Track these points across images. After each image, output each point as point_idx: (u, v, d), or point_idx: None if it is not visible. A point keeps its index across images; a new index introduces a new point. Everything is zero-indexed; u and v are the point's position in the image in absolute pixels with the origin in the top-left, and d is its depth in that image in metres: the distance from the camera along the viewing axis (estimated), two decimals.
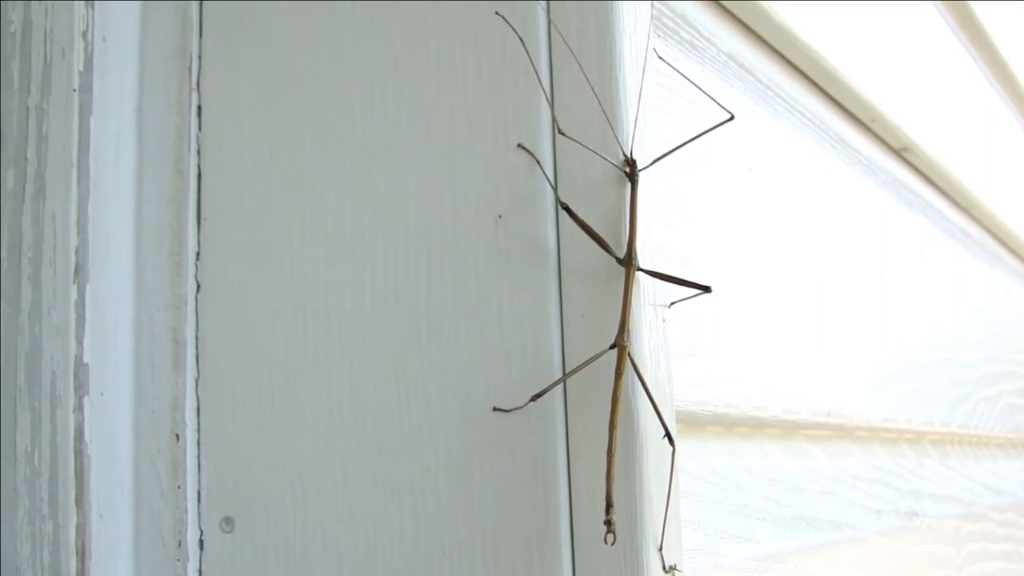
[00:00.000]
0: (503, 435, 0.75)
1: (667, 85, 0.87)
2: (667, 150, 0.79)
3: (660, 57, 0.82)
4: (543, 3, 0.77)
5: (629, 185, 0.75)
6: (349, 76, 0.83)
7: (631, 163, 0.74)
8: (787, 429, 1.06)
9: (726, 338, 0.94)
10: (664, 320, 0.77)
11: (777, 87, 1.13)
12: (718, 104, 0.85)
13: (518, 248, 0.75)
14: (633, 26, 0.78)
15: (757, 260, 1.03)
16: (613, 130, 0.74)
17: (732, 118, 0.83)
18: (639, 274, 0.74)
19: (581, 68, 0.75)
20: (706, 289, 0.78)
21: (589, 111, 0.75)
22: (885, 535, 1.23)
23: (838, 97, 1.28)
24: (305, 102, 0.85)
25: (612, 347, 0.73)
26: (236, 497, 0.84)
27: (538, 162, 0.75)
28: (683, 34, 0.93)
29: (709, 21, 0.99)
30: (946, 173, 1.60)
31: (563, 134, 0.74)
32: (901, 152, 1.47)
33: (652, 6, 0.83)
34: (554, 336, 0.74)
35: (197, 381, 0.86)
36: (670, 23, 0.91)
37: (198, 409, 0.86)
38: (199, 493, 0.85)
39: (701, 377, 0.89)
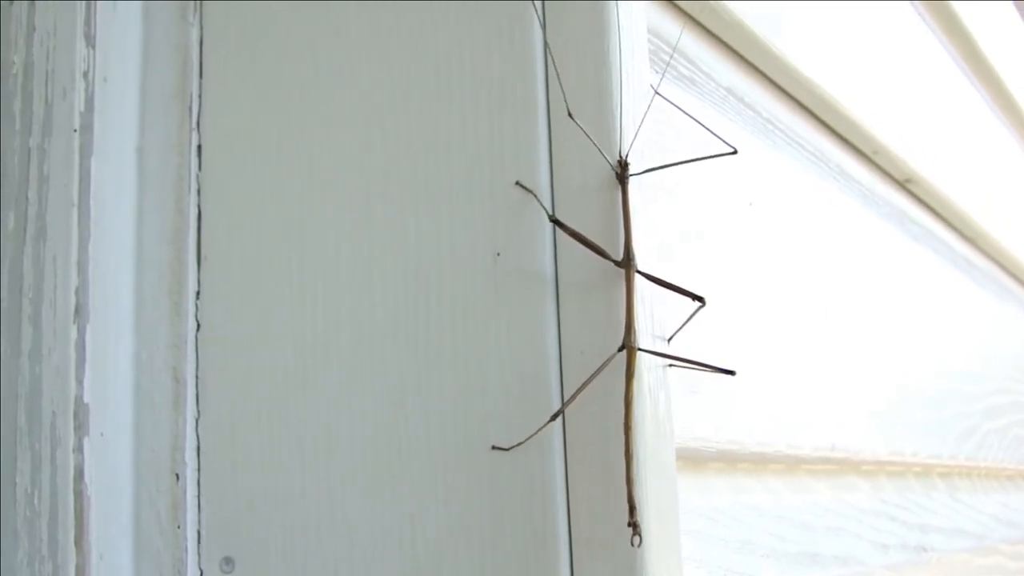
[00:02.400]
0: (502, 471, 0.74)
1: (665, 120, 0.87)
2: (663, 164, 0.79)
3: (658, 93, 0.82)
4: (538, 2, 0.77)
5: (620, 188, 0.74)
6: (348, 115, 0.83)
7: (623, 165, 0.74)
8: (791, 464, 1.06)
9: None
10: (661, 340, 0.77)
11: (777, 120, 1.13)
12: (720, 139, 0.85)
13: (517, 286, 0.75)
14: (631, 60, 0.78)
15: (759, 294, 1.03)
16: (612, 129, 0.75)
17: (735, 152, 0.83)
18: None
19: (568, 96, 0.75)
20: (700, 300, 0.78)
21: (586, 110, 0.75)
22: (893, 570, 1.22)
23: (839, 129, 1.28)
24: (305, 141, 0.85)
25: (620, 349, 0.72)
26: (236, 537, 0.83)
27: (536, 196, 0.75)
28: (682, 69, 0.94)
29: (708, 55, 0.99)
30: (951, 204, 1.59)
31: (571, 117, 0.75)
32: (905, 183, 1.47)
33: (649, 40, 0.83)
34: (552, 374, 0.74)
35: (197, 420, 0.86)
36: (667, 58, 0.91)
37: (198, 448, 0.86)
38: (199, 533, 0.85)
39: (702, 413, 0.88)
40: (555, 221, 0.74)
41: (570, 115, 0.75)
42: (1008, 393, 1.81)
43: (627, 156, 0.75)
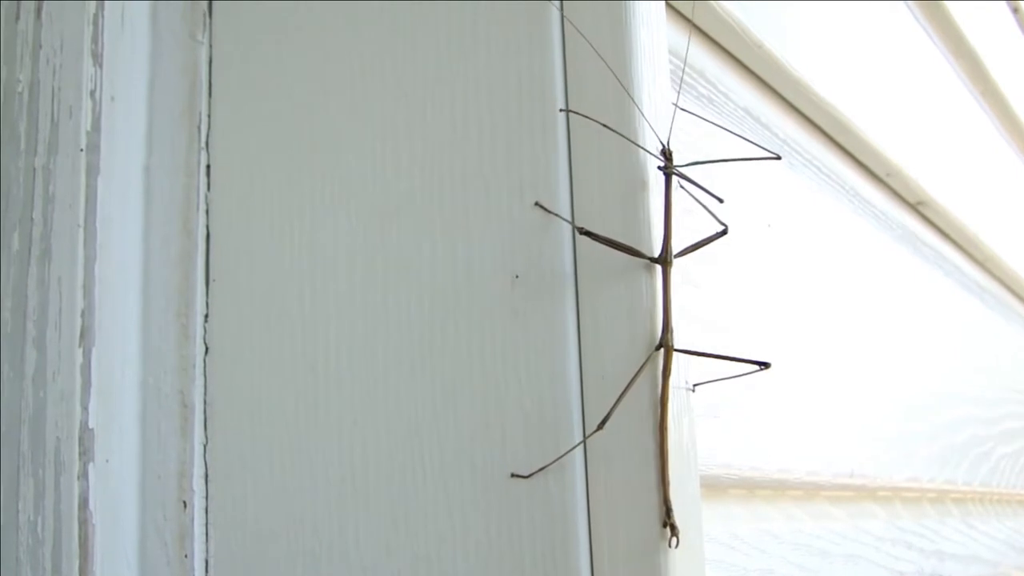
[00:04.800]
0: (521, 500, 0.72)
1: (690, 143, 0.86)
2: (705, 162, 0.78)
3: (683, 109, 0.80)
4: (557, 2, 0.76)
5: (664, 180, 0.72)
6: (361, 135, 0.81)
7: (667, 155, 0.72)
8: (810, 491, 1.04)
9: (749, 399, 0.92)
10: (687, 381, 0.75)
11: (794, 141, 1.11)
12: (760, 147, 0.83)
13: (536, 309, 0.73)
14: (652, 72, 0.76)
15: (777, 318, 1.01)
16: (647, 120, 0.73)
17: (779, 158, 0.81)
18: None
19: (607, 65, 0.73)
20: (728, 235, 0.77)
21: (621, 101, 0.73)
22: None
23: (854, 151, 1.26)
24: (316, 161, 0.83)
25: (658, 348, 0.71)
26: (245, 567, 0.81)
27: (557, 215, 0.73)
28: (700, 89, 0.92)
29: (726, 76, 0.97)
30: (962, 227, 1.58)
31: (577, 112, 0.73)
32: (917, 206, 1.46)
33: (670, 60, 0.82)
34: (573, 399, 0.72)
35: (205, 447, 0.84)
36: (688, 79, 0.90)
37: (206, 476, 0.84)
38: (207, 563, 0.83)
39: (723, 439, 0.86)
40: (584, 232, 0.72)
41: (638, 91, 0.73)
42: (1020, 417, 1.79)
43: (669, 144, 0.73)
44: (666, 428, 0.70)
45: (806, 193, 1.14)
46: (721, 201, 0.78)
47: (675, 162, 0.73)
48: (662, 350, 0.71)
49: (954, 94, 1.67)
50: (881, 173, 1.34)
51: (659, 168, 0.73)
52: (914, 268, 1.45)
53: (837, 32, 1.23)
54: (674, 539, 0.67)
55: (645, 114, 0.73)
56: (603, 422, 0.69)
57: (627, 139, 0.72)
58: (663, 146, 0.73)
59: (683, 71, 0.87)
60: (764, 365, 0.77)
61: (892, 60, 1.40)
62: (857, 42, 1.29)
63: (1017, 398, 1.82)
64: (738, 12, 0.95)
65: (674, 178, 0.73)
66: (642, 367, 0.70)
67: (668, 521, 0.68)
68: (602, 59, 0.73)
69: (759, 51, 1.00)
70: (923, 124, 1.49)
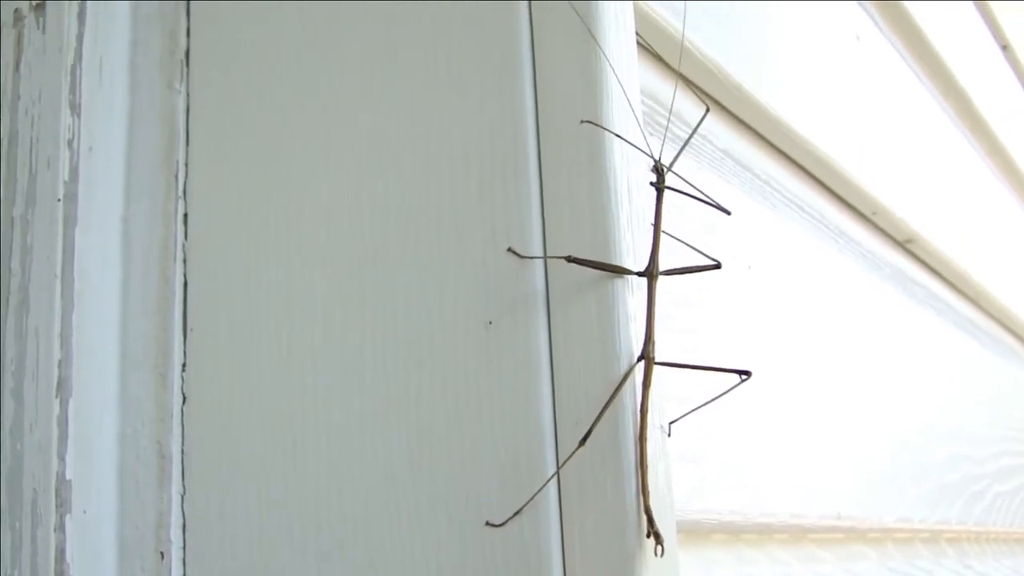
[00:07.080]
0: (496, 548, 0.71)
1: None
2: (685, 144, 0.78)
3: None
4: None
5: (655, 195, 0.73)
6: (336, 184, 0.81)
7: (659, 170, 0.73)
8: (796, 534, 1.03)
9: (729, 442, 0.91)
10: (662, 427, 0.75)
11: (775, 182, 1.11)
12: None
13: (509, 355, 0.72)
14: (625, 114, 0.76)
15: (759, 360, 1.01)
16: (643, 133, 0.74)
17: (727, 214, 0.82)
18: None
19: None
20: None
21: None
22: None
23: (838, 191, 1.26)
24: (292, 210, 0.83)
25: (639, 359, 0.71)
26: None
27: (530, 256, 0.73)
28: (677, 131, 0.92)
29: (706, 119, 0.97)
30: (952, 264, 1.58)
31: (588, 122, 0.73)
32: (905, 244, 1.46)
33: (643, 101, 0.82)
34: (548, 446, 0.71)
35: (183, 497, 0.83)
36: (663, 120, 0.90)
37: (184, 526, 0.83)
38: None
39: (704, 483, 0.86)
40: (570, 259, 0.71)
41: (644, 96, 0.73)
42: (1015, 455, 1.78)
43: (660, 158, 0.73)
44: (645, 438, 0.69)
45: (789, 234, 1.13)
46: (728, 213, 0.78)
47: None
48: (643, 362, 0.71)
49: (941, 130, 1.67)
50: (867, 212, 1.34)
51: (651, 184, 0.73)
52: (903, 306, 1.44)
53: (818, 70, 1.24)
54: (659, 548, 0.67)
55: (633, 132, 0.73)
56: (584, 438, 0.69)
57: (633, 145, 0.73)
58: (655, 162, 0.73)
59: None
60: (745, 374, 0.77)
61: (877, 97, 1.40)
62: (841, 80, 1.29)
63: (1013, 435, 1.81)
64: (717, 55, 0.96)
65: (665, 193, 0.73)
66: (623, 381, 0.70)
67: (651, 530, 0.67)
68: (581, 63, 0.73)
69: (738, 92, 1.00)
70: (910, 161, 1.49)
